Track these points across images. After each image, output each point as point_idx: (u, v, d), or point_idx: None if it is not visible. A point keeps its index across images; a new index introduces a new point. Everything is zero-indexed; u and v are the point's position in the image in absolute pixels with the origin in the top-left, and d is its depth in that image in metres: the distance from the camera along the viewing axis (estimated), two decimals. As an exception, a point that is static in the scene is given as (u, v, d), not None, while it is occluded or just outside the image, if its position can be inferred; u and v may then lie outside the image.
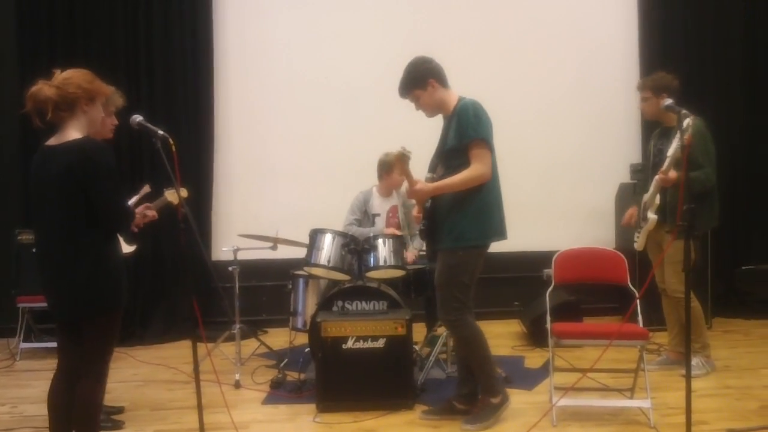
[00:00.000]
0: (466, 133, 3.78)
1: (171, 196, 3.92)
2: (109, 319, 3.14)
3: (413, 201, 5.59)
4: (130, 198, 4.13)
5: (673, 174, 4.41)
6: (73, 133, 3.05)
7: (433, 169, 3.96)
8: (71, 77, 3.06)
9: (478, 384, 4.06)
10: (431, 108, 4.00)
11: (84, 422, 3.16)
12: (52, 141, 3.09)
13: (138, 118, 3.37)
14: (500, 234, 3.95)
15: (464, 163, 3.79)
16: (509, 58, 6.91)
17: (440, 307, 3.95)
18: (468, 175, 3.77)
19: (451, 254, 3.88)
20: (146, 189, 4.20)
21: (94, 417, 3.20)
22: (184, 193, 4.48)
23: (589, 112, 6.94)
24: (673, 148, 4.31)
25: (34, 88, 3.00)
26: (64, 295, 3.09)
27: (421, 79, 3.91)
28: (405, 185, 5.55)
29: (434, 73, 3.94)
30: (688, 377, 3.34)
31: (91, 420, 3.18)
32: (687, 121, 3.62)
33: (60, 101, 3.01)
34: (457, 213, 3.85)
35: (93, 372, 3.16)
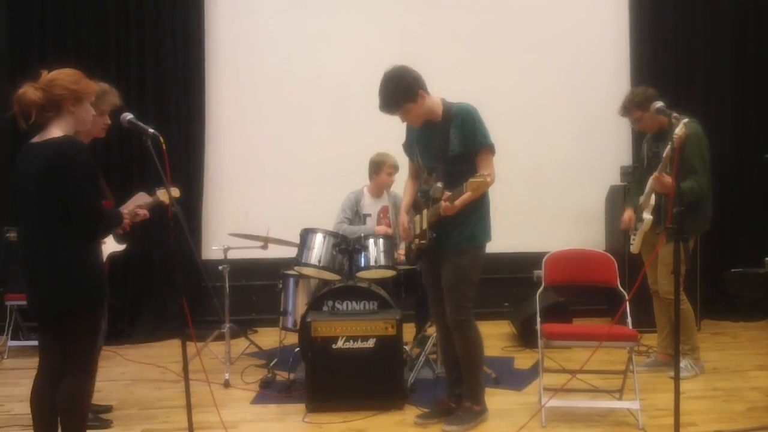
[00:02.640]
0: (476, 140, 3.80)
1: (163, 195, 3.89)
2: (89, 318, 3.12)
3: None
4: (123, 203, 4.09)
5: (667, 178, 4.39)
6: (55, 131, 3.03)
7: (440, 176, 3.80)
8: (57, 78, 3.03)
9: (466, 388, 4.06)
10: (421, 118, 3.91)
11: (71, 421, 3.15)
12: (36, 138, 3.07)
13: (128, 116, 3.36)
14: (491, 235, 4.01)
15: (470, 169, 3.72)
16: (499, 60, 6.93)
17: (451, 309, 3.92)
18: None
19: (462, 255, 3.88)
20: (141, 197, 4.15)
21: (82, 416, 3.20)
22: (176, 192, 4.45)
23: (579, 113, 6.95)
24: (668, 150, 4.32)
25: (19, 91, 2.97)
26: (40, 293, 3.08)
27: (411, 92, 3.80)
28: (394, 187, 5.64)
29: (421, 83, 3.85)
30: (676, 379, 3.35)
31: (78, 419, 3.17)
32: (680, 126, 3.63)
33: (45, 103, 2.99)
34: (467, 215, 3.84)
35: (79, 371, 3.14)
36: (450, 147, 3.82)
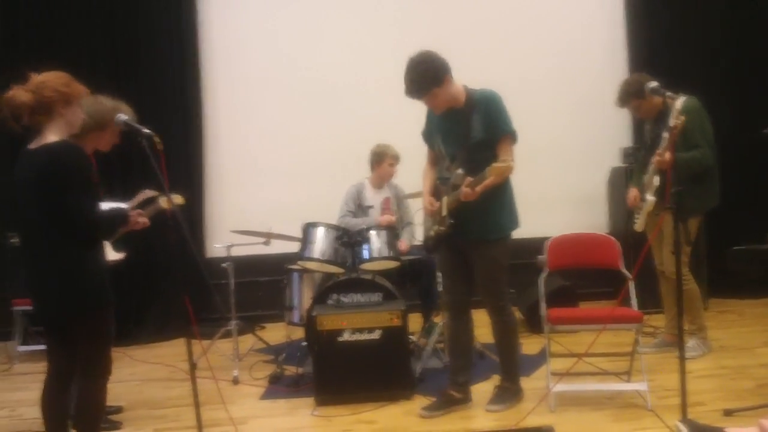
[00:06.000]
0: (498, 127, 3.81)
1: (165, 202, 3.88)
2: (94, 322, 3.13)
3: (406, 191, 5.63)
4: (124, 203, 4.09)
5: (669, 155, 4.40)
6: (51, 136, 3.03)
7: (462, 163, 3.81)
8: (47, 81, 3.03)
9: (503, 370, 4.18)
10: (446, 103, 3.88)
11: (87, 423, 3.20)
12: (33, 144, 3.08)
13: (123, 117, 3.36)
14: (518, 221, 4.07)
15: (491, 156, 3.74)
16: (495, 43, 6.90)
17: (492, 295, 4.01)
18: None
19: (492, 245, 3.93)
20: (145, 194, 4.15)
21: (98, 417, 3.25)
22: (180, 200, 4.44)
23: (578, 95, 6.92)
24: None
25: (9, 93, 2.96)
26: (42, 298, 3.11)
27: (439, 76, 3.78)
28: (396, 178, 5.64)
29: (448, 68, 3.83)
30: (681, 358, 3.35)
31: (95, 420, 3.22)
32: (677, 104, 3.63)
33: (36, 106, 2.98)
34: (493, 204, 3.86)
35: (89, 374, 3.17)
36: (472, 133, 3.82)
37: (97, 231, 3.11)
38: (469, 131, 3.83)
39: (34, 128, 3.06)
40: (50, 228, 3.00)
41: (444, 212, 3.93)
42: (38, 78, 3.04)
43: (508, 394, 4.12)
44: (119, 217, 3.32)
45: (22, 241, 3.19)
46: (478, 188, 3.67)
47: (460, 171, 3.77)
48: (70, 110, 3.10)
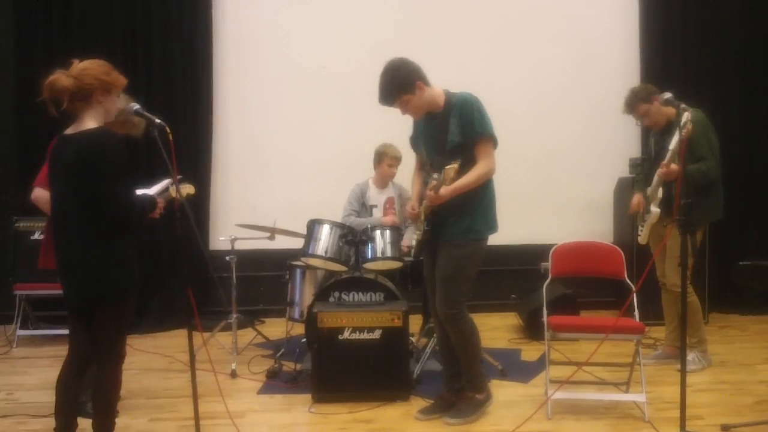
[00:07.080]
0: (473, 130, 3.76)
1: (174, 191, 3.89)
2: (120, 308, 3.20)
3: (410, 192, 5.62)
4: (150, 187, 4.10)
5: (674, 167, 4.40)
6: (89, 122, 3.09)
7: (438, 168, 3.74)
8: (88, 68, 3.08)
9: (467, 380, 4.06)
10: (421, 110, 3.87)
11: (105, 405, 3.26)
12: (70, 130, 3.13)
13: (135, 106, 3.36)
14: (496, 226, 3.97)
15: (470, 160, 3.73)
16: (505, 49, 6.89)
17: (443, 301, 3.89)
18: (481, 173, 3.75)
19: (460, 246, 3.84)
20: (170, 181, 4.13)
21: (115, 400, 3.33)
22: (191, 189, 4.44)
23: (587, 104, 6.90)
24: (675, 142, 4.30)
25: (51, 78, 3.02)
26: (74, 284, 3.16)
27: (408, 83, 3.77)
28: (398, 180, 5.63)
29: (419, 74, 3.81)
30: (683, 372, 3.34)
31: (112, 403, 3.30)
32: (686, 115, 3.62)
33: (76, 91, 3.03)
34: (466, 207, 3.81)
35: (106, 360, 3.23)
36: (449, 137, 3.78)
37: (130, 217, 3.16)
38: (446, 135, 3.79)
39: (72, 114, 3.11)
40: (85, 213, 3.05)
41: (422, 218, 3.92)
42: (80, 65, 3.09)
43: (471, 405, 4.01)
44: (149, 203, 3.38)
45: (56, 226, 3.23)
46: (442, 191, 3.65)
47: (435, 176, 3.72)
48: (109, 99, 3.16)
